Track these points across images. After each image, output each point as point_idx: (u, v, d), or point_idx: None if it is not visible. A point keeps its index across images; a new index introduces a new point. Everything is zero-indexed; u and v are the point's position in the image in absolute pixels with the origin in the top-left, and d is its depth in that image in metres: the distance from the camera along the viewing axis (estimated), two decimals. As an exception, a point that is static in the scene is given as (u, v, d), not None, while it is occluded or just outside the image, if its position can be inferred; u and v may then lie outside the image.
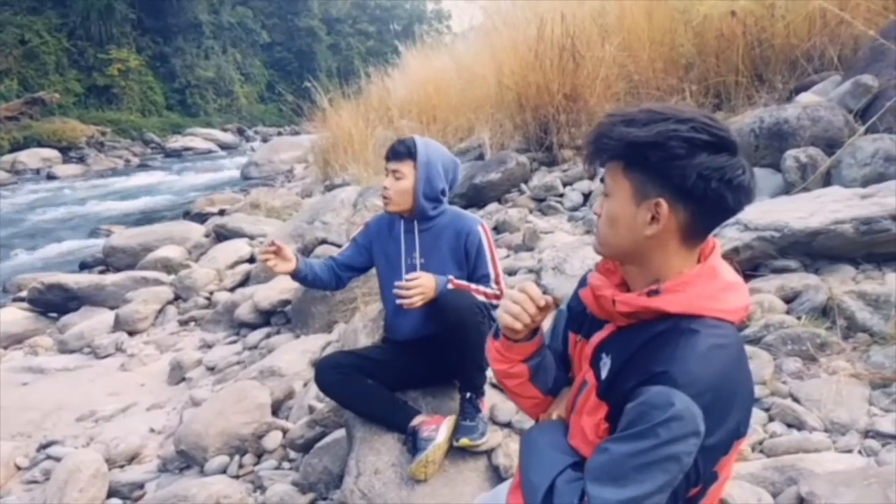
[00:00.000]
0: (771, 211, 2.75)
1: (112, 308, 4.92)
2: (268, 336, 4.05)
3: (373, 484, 2.00)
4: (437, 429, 1.99)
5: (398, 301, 2.02)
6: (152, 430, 3.29)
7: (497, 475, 1.98)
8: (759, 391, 2.05)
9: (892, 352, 2.07)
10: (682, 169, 0.95)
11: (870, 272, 2.52)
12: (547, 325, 1.25)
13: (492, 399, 2.19)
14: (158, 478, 2.87)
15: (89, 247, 7.82)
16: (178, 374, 3.90)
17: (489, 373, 2.06)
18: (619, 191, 1.02)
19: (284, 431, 2.84)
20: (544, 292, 1.13)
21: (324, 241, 4.88)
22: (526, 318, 1.13)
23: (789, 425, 1.94)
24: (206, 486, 2.53)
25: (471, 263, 2.14)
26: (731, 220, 2.13)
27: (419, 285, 2.00)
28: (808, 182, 3.14)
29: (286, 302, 4.13)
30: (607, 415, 1.02)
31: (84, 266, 6.60)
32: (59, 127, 19.52)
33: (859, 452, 1.80)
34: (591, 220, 3.93)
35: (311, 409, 2.82)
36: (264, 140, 21.38)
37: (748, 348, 2.13)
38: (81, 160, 18.52)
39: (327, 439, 2.55)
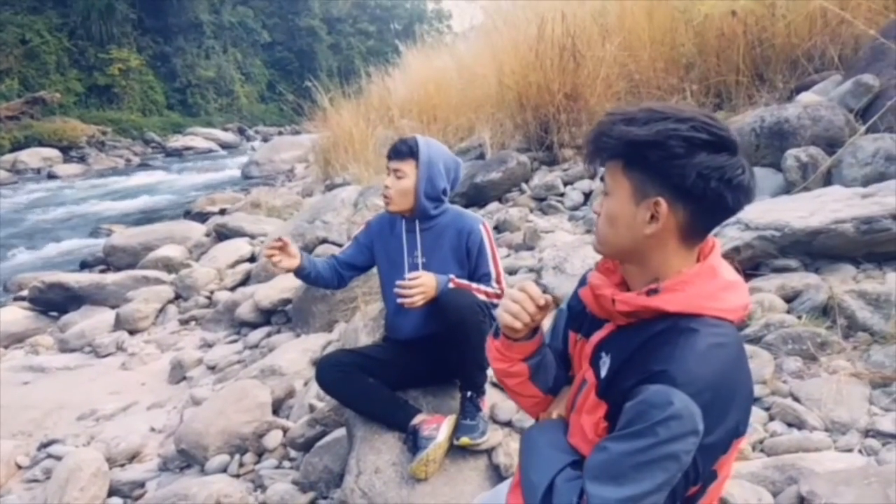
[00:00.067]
0: (771, 210, 2.75)
1: (113, 307, 4.92)
2: (268, 335, 4.06)
3: (373, 483, 2.01)
4: (438, 428, 1.99)
5: (399, 300, 2.02)
6: (153, 429, 3.29)
7: (497, 474, 1.98)
8: (759, 390, 2.05)
9: (893, 351, 2.07)
10: (681, 168, 0.95)
11: (870, 271, 2.52)
12: (547, 323, 1.25)
13: (492, 398, 2.19)
14: (159, 477, 2.87)
15: (90, 246, 7.82)
16: (178, 374, 3.90)
17: (490, 372, 2.06)
18: (619, 190, 1.02)
19: (285, 430, 2.84)
20: (544, 291, 1.13)
21: (324, 241, 4.89)
22: (525, 318, 1.13)
23: (790, 424, 1.94)
24: (206, 485, 2.53)
25: (472, 262, 2.14)
26: (732, 219, 2.13)
27: (420, 284, 2.00)
28: (808, 181, 3.14)
29: (287, 301, 4.13)
30: (607, 413, 1.02)
31: (85, 265, 6.61)
32: (59, 126, 19.55)
33: (859, 452, 1.80)
34: (592, 219, 3.93)
35: (312, 408, 2.82)
36: (265, 139, 21.39)
37: (749, 347, 2.14)
38: (82, 160, 18.55)
39: (328, 438, 2.55)
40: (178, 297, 5.05)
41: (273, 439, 2.81)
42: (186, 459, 2.86)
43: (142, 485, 2.82)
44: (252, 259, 5.42)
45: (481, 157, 5.68)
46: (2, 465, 2.97)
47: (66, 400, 3.65)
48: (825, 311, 2.33)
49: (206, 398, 3.31)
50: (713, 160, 0.95)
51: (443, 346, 2.03)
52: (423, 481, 1.96)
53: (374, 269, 2.36)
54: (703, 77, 4.68)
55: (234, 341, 4.17)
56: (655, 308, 1.00)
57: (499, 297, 2.07)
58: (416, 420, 2.05)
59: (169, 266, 5.50)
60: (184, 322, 4.68)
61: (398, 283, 2.03)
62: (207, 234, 6.36)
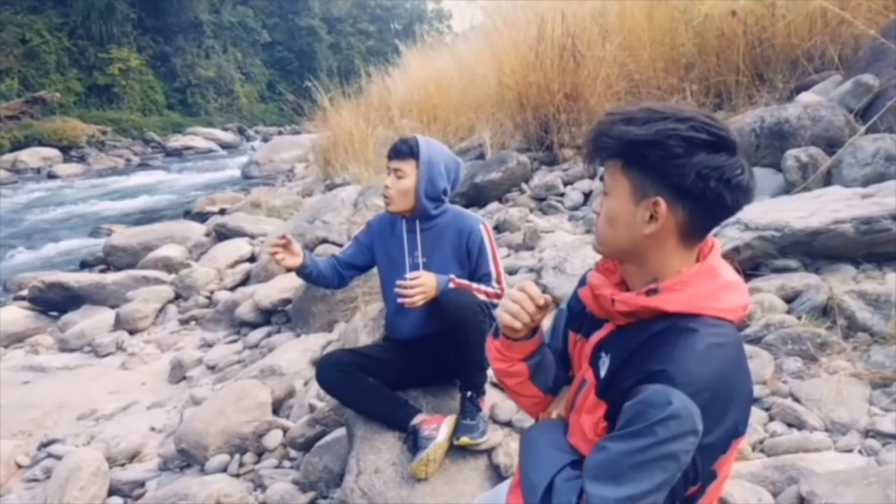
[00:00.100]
0: (771, 210, 2.75)
1: (113, 307, 4.93)
2: (268, 335, 4.06)
3: (373, 482, 2.01)
4: (438, 428, 1.99)
5: (399, 300, 2.02)
6: (153, 429, 3.30)
7: (497, 474, 1.98)
8: (759, 391, 2.05)
9: (893, 351, 2.07)
10: (680, 168, 0.95)
11: (870, 272, 2.52)
12: (547, 323, 1.25)
13: (492, 398, 2.19)
14: (159, 476, 2.87)
15: (90, 246, 7.83)
16: (178, 373, 3.90)
17: (490, 372, 2.06)
18: (618, 189, 1.02)
19: (285, 430, 2.84)
20: (544, 291, 1.13)
21: (324, 241, 4.89)
22: (525, 317, 1.13)
23: (790, 425, 1.94)
24: (206, 485, 2.53)
25: (472, 262, 2.14)
26: (732, 219, 2.14)
27: (420, 284, 2.00)
28: (808, 182, 3.14)
29: (287, 301, 4.13)
30: (606, 413, 1.02)
31: (85, 265, 6.61)
32: (59, 126, 19.55)
33: (859, 452, 1.80)
34: (592, 219, 3.93)
35: (312, 408, 2.82)
36: (265, 139, 21.38)
37: (749, 348, 2.14)
38: (82, 159, 18.55)
39: (328, 438, 2.55)
40: (178, 296, 5.05)
41: (273, 439, 2.81)
42: (186, 459, 2.87)
43: (142, 484, 2.82)
44: (252, 259, 5.42)
45: (481, 157, 5.68)
46: (2, 465, 2.98)
47: (66, 399, 3.65)
48: (825, 312, 2.33)
49: (206, 398, 3.31)
50: (712, 160, 0.95)
51: (443, 346, 2.03)
52: (423, 481, 1.96)
53: (375, 269, 2.36)
54: (703, 77, 4.68)
55: (234, 341, 4.18)
56: (655, 308, 1.00)
57: (499, 297, 2.07)
58: (416, 420, 2.05)
59: (169, 266, 5.51)
60: (184, 322, 4.68)
61: (398, 282, 2.03)
62: (207, 234, 6.36)
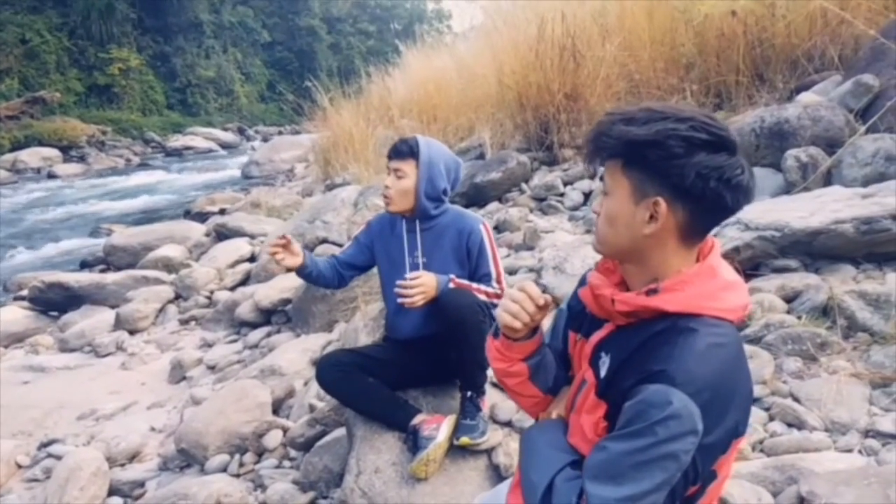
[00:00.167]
0: (771, 210, 2.75)
1: (113, 307, 4.93)
2: (268, 335, 4.06)
3: (373, 482, 2.01)
4: (438, 427, 1.99)
5: (400, 300, 2.02)
6: (153, 429, 3.30)
7: (497, 474, 1.98)
8: (759, 391, 2.05)
9: (893, 351, 2.08)
10: (680, 168, 0.95)
11: (870, 272, 2.52)
12: (547, 323, 1.25)
13: (492, 398, 2.19)
14: (159, 476, 2.87)
15: (90, 246, 7.83)
16: (178, 373, 3.90)
17: (490, 372, 2.06)
18: (618, 189, 1.02)
19: (285, 430, 2.84)
20: (544, 291, 1.13)
21: (324, 241, 4.89)
22: (525, 317, 1.13)
23: (790, 425, 1.94)
24: (206, 485, 2.53)
25: (472, 262, 2.14)
26: (732, 219, 2.13)
27: (420, 284, 2.00)
28: (808, 182, 3.14)
29: (287, 301, 4.14)
30: (606, 413, 1.02)
31: (85, 265, 6.61)
32: (59, 126, 19.55)
33: (859, 452, 1.80)
34: (592, 219, 3.93)
35: (312, 408, 2.82)
36: (265, 139, 21.38)
37: (749, 348, 2.14)
38: (82, 159, 18.55)
39: (328, 438, 2.55)
40: (178, 296, 5.05)
41: (273, 439, 2.81)
42: (186, 459, 2.87)
43: (142, 484, 2.82)
44: (252, 259, 5.42)
45: (481, 157, 5.68)
46: (2, 465, 2.97)
47: (66, 399, 3.65)
48: (825, 312, 2.33)
49: (205, 398, 3.31)
50: (712, 160, 0.95)
51: (443, 346, 2.03)
52: (423, 481, 1.96)
53: (375, 269, 2.36)
54: (703, 77, 4.68)
55: (234, 341, 4.18)
56: (655, 308, 1.00)
57: (499, 297, 2.07)
58: (416, 420, 2.05)
59: (169, 266, 5.51)
60: (184, 322, 4.68)
61: (398, 282, 2.03)
62: (207, 234, 6.37)
